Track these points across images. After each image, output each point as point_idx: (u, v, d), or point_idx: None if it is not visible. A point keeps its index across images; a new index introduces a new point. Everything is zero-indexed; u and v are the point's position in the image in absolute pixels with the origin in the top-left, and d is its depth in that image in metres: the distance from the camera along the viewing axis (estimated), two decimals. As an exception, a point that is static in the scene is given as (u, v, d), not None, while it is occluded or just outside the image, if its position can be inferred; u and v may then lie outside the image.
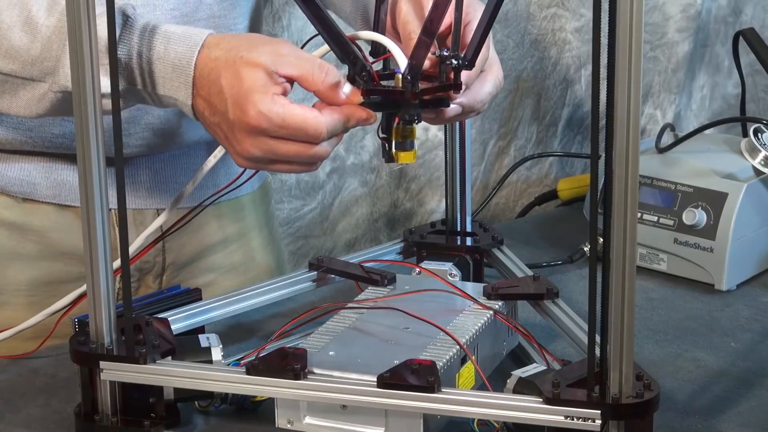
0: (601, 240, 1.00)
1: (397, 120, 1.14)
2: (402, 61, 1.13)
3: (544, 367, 1.10)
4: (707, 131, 1.64)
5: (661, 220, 1.51)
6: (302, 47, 1.19)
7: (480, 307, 1.21)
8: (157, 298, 1.23)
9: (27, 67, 1.18)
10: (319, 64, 1.13)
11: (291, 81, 1.13)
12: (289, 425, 1.09)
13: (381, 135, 1.16)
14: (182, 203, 1.27)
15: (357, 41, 1.16)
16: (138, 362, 1.07)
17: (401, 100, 1.12)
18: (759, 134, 1.53)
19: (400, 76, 1.12)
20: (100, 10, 1.03)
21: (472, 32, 1.16)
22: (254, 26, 1.43)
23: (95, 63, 1.03)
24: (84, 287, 1.20)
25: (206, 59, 1.13)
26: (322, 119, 1.11)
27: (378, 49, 1.19)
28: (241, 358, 1.18)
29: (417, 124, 1.15)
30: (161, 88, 1.15)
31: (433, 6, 1.13)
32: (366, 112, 1.13)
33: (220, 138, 1.15)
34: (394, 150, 1.15)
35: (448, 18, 1.15)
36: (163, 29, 1.15)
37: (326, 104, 1.13)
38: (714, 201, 1.47)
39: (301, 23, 1.82)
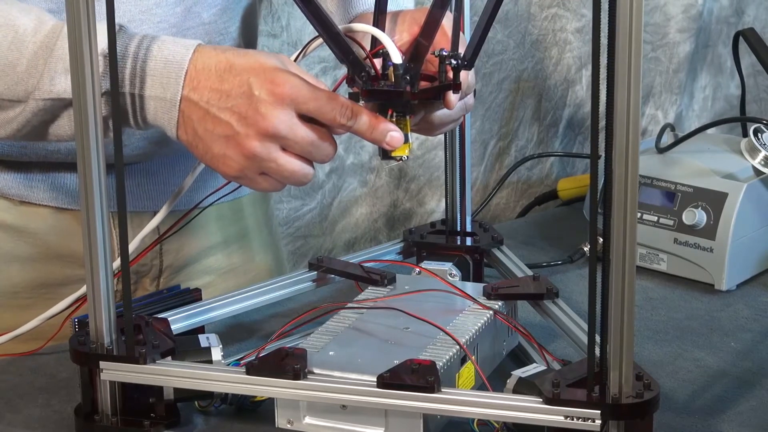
0: (601, 240, 1.00)
1: (390, 111, 1.15)
2: (395, 54, 1.13)
3: (544, 367, 1.10)
4: (707, 131, 1.64)
5: (661, 220, 1.51)
6: (301, 51, 1.19)
7: (480, 307, 1.21)
8: (157, 298, 1.23)
9: (12, 88, 1.17)
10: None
11: None
12: (289, 425, 1.09)
13: None
14: (181, 205, 1.27)
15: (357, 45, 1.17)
16: (138, 362, 1.08)
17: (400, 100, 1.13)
18: (759, 134, 1.53)
19: (392, 68, 1.12)
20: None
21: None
22: (248, 28, 1.42)
23: (95, 67, 1.03)
24: (81, 291, 1.21)
25: (203, 55, 1.14)
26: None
27: (374, 46, 1.20)
28: (241, 358, 1.18)
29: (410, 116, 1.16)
30: (148, 89, 1.14)
31: (431, 8, 1.13)
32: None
33: (229, 126, 1.12)
34: None
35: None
36: (160, 37, 1.16)
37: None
38: (714, 201, 1.47)
39: (300, 23, 1.82)
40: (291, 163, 1.13)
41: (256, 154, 1.12)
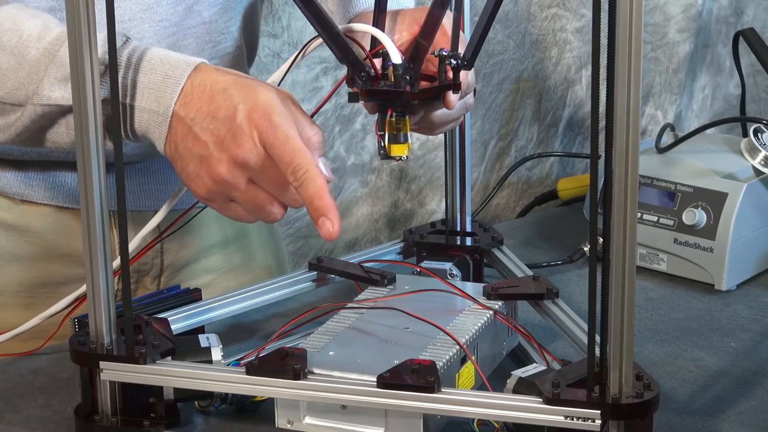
0: (601, 240, 1.00)
1: (390, 111, 1.14)
2: (395, 55, 1.13)
3: (544, 367, 1.10)
4: (707, 131, 1.64)
5: (661, 220, 1.51)
6: (300, 51, 1.18)
7: (480, 307, 1.21)
8: (157, 298, 1.23)
9: (13, 92, 1.18)
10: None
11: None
12: (289, 425, 1.09)
13: (379, 132, 1.16)
14: (181, 204, 1.27)
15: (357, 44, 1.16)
16: (138, 362, 1.08)
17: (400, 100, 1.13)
18: (759, 134, 1.53)
19: (391, 68, 1.12)
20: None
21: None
22: (249, 28, 1.42)
23: (95, 66, 1.03)
24: (81, 289, 1.21)
25: (202, 73, 1.13)
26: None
27: (374, 46, 1.20)
28: (241, 358, 1.18)
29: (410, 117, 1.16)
30: (144, 101, 1.14)
31: (431, 8, 1.13)
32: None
33: (205, 146, 1.11)
34: (386, 143, 1.15)
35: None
36: (164, 51, 1.15)
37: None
38: (714, 201, 1.47)
39: (300, 23, 1.82)
40: (257, 197, 1.12)
41: (224, 179, 1.11)
